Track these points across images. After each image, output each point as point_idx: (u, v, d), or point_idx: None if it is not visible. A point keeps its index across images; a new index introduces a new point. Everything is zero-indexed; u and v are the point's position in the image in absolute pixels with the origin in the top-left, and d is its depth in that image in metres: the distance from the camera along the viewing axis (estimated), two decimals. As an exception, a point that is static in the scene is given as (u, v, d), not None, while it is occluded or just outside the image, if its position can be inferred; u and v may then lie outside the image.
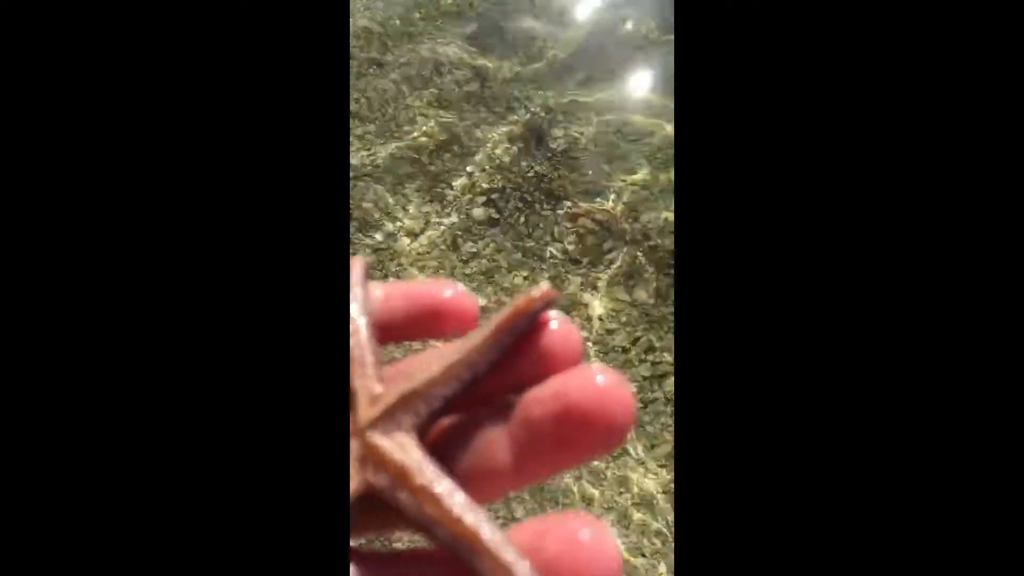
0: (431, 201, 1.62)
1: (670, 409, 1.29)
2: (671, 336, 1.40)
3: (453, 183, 1.66)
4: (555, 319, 0.33)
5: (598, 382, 0.30)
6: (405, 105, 1.81)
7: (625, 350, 1.39)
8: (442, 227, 1.57)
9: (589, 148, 1.73)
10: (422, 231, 1.57)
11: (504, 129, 1.77)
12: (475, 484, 0.32)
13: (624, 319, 1.42)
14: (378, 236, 1.55)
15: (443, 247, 1.55)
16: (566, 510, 0.31)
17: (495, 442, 0.32)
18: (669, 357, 1.37)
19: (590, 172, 1.69)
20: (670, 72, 1.93)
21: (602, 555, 0.27)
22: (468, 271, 1.52)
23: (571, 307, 1.48)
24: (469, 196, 1.64)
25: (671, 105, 1.89)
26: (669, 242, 1.57)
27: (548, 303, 0.33)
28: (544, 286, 0.33)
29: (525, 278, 1.50)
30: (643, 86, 1.92)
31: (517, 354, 0.33)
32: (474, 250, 1.54)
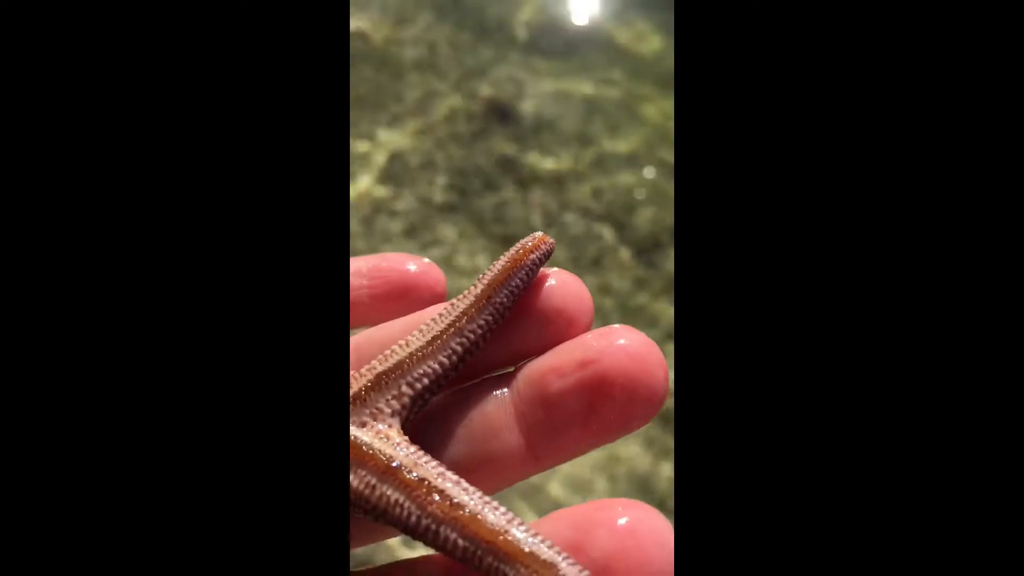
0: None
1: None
2: (649, 327, 1.35)
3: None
4: (556, 275, 0.28)
5: (631, 346, 0.25)
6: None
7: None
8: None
9: (557, 124, 1.68)
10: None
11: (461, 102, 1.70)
12: (480, 474, 0.26)
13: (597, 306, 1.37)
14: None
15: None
16: (601, 499, 0.25)
17: (500, 423, 0.26)
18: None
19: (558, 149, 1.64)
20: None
21: (659, 545, 0.22)
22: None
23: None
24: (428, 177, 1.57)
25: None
26: (640, 224, 1.52)
27: (547, 252, 0.27)
28: (538, 233, 0.27)
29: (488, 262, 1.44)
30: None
31: (516, 317, 0.27)
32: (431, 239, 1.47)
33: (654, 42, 1.88)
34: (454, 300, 0.27)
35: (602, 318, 1.25)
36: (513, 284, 0.26)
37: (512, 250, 0.27)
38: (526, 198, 1.49)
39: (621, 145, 1.64)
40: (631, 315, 1.33)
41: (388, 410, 0.25)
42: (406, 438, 0.25)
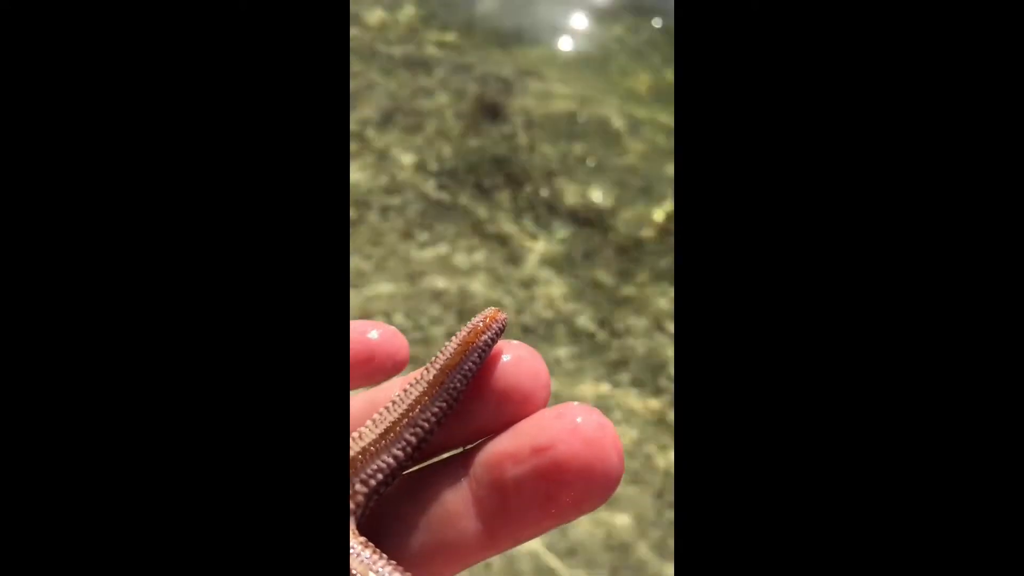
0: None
1: (635, 391, 1.26)
2: (636, 318, 1.36)
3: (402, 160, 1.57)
4: (511, 350, 0.28)
5: (585, 429, 0.25)
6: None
7: (591, 335, 1.34)
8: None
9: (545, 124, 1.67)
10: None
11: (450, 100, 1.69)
12: (437, 561, 0.26)
13: (588, 299, 1.37)
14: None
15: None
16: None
17: (458, 510, 0.26)
18: (632, 342, 1.33)
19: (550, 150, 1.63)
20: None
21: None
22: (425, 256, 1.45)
23: (531, 284, 1.42)
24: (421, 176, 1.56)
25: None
26: (620, 221, 1.52)
27: (500, 330, 0.27)
28: (491, 310, 0.27)
29: (484, 259, 1.44)
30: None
31: (472, 398, 0.27)
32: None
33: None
34: (406, 386, 0.27)
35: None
36: (466, 367, 0.26)
37: (464, 331, 0.27)
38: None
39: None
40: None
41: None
42: (362, 539, 0.25)
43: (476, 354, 0.26)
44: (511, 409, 0.27)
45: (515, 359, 0.27)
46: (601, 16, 2.00)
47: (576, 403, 0.26)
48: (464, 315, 1.36)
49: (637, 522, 1.12)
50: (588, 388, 1.26)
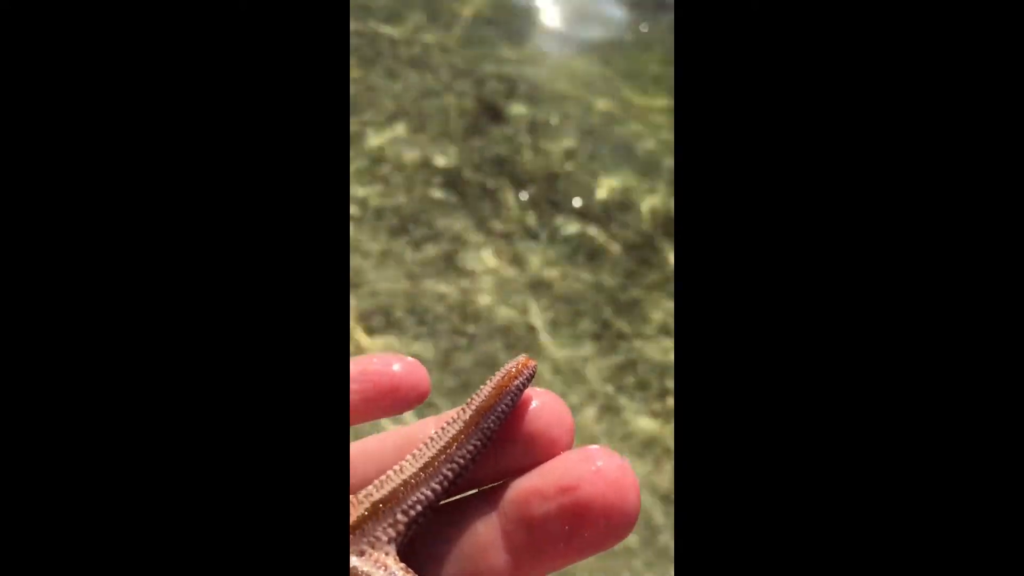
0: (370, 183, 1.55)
1: (639, 395, 1.28)
2: (642, 322, 1.38)
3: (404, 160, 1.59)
4: (539, 396, 0.30)
5: (607, 471, 0.27)
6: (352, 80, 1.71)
7: (596, 336, 1.36)
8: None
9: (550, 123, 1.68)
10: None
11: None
12: None
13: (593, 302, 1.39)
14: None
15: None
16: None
17: (488, 543, 0.28)
18: (639, 344, 1.35)
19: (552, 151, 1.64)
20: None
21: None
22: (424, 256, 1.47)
23: (533, 284, 1.44)
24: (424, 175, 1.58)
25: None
26: (632, 219, 1.54)
27: (530, 376, 0.29)
28: (522, 357, 0.29)
29: (488, 259, 1.46)
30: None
31: (503, 439, 0.29)
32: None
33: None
34: (444, 424, 0.29)
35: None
36: (499, 410, 0.28)
37: (498, 376, 0.29)
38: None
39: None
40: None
41: (385, 538, 0.27)
42: (402, 565, 0.27)
43: (509, 398, 0.28)
44: (538, 450, 0.29)
45: (543, 405, 0.29)
46: (608, 16, 2.00)
47: (597, 447, 0.28)
48: (467, 317, 1.38)
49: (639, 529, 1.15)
50: (593, 387, 1.28)
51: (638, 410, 1.27)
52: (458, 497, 0.30)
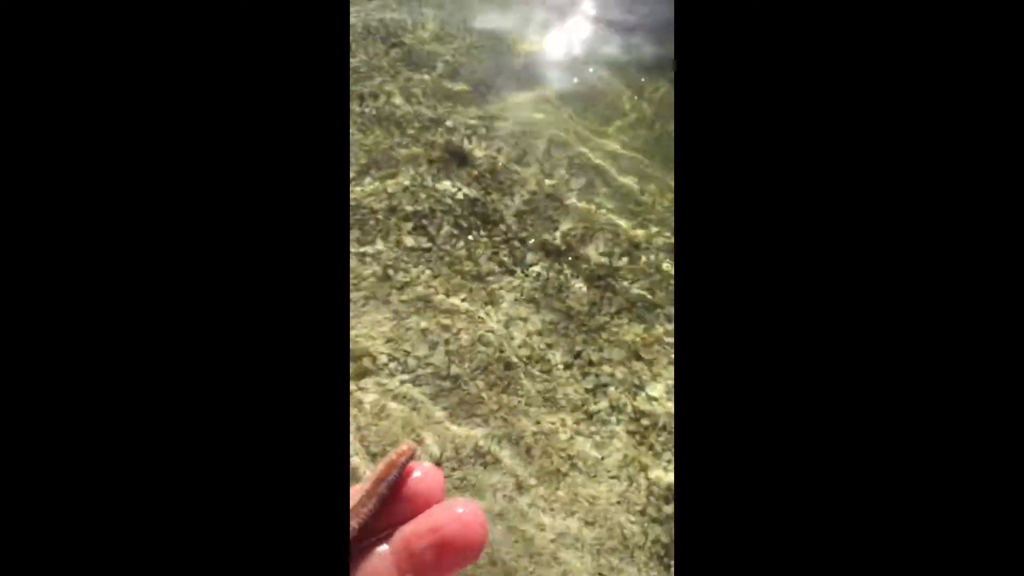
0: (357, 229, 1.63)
1: (615, 418, 1.35)
2: (611, 346, 1.45)
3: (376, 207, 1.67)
4: (419, 468, 0.39)
5: (463, 516, 0.37)
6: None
7: (567, 366, 1.44)
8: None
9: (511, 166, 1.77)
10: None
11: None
12: None
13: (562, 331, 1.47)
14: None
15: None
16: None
17: (383, 571, 0.37)
18: (609, 369, 1.43)
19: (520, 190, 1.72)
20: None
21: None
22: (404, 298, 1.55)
23: (509, 323, 1.51)
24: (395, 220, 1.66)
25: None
26: (591, 252, 1.62)
27: (411, 456, 0.38)
28: (404, 444, 0.38)
29: (463, 300, 1.53)
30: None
31: (394, 499, 0.38)
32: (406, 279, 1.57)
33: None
34: (353, 491, 0.37)
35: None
36: (390, 479, 0.37)
37: (388, 457, 0.38)
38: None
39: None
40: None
41: None
42: None
43: (397, 471, 0.37)
44: (419, 506, 0.38)
45: (423, 473, 0.39)
46: (572, 61, 2.10)
47: (461, 498, 0.37)
48: (450, 353, 1.45)
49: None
50: (563, 415, 1.35)
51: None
52: (367, 540, 0.38)
